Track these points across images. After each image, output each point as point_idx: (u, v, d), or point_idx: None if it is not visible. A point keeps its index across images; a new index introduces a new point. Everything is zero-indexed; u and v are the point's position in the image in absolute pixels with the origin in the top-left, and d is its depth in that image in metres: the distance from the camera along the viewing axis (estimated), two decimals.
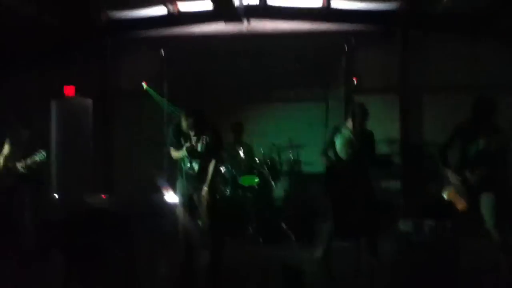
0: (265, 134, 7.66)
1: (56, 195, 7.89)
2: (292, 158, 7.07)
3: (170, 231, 6.08)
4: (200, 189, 5.07)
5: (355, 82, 7.66)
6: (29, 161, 5.70)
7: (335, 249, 5.32)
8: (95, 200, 7.22)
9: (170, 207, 7.08)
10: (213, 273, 5.08)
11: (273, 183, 6.65)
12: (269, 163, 6.77)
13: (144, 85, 8.05)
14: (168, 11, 8.44)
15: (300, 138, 7.15)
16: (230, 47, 8.51)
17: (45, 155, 5.74)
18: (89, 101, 8.52)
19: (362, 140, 5.24)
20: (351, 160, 5.18)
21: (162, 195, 7.31)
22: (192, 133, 5.09)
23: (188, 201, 5.15)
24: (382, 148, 7.04)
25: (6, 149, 5.93)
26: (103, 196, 7.30)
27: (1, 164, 5.90)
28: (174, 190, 6.75)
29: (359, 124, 5.16)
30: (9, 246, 5.71)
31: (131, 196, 7.57)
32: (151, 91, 8.10)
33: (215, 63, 8.39)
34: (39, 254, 5.70)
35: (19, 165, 5.72)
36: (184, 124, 5.06)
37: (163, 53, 8.34)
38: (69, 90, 8.28)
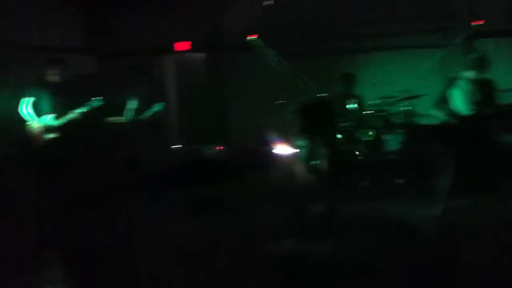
0: (377, 84, 7.28)
1: (173, 146, 8.46)
2: (406, 109, 6.68)
3: (284, 183, 6.27)
4: (316, 146, 5.07)
5: (478, 26, 6.88)
6: (149, 112, 6.18)
7: (454, 207, 5.09)
8: (211, 151, 7.60)
9: (284, 159, 7.25)
10: (327, 225, 5.13)
11: (386, 136, 6.41)
12: (382, 115, 6.50)
13: (251, 38, 8.03)
14: None
15: (415, 89, 6.70)
16: None
17: (163, 106, 6.23)
18: (202, 55, 8.82)
19: (482, 91, 4.83)
20: (470, 113, 4.82)
21: (275, 147, 7.47)
22: None
23: (307, 155, 5.21)
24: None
25: (129, 104, 6.43)
26: (217, 148, 7.63)
27: (126, 118, 6.44)
28: (288, 143, 6.90)
29: (479, 73, 4.76)
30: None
31: (246, 147, 7.76)
32: (258, 43, 8.06)
33: (322, 12, 8.09)
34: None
35: (143, 117, 6.20)
36: None
37: (272, 2, 8.22)
38: (184, 45, 8.62)
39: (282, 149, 7.43)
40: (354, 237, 4.68)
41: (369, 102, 6.77)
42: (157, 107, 6.28)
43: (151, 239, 4.74)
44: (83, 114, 5.88)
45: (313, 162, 5.27)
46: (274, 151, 7.50)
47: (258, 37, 8.10)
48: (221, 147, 7.93)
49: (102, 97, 5.92)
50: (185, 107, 8.67)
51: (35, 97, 5.93)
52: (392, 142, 6.58)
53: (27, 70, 6.87)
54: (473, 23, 6.97)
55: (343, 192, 5.96)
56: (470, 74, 4.89)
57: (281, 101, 7.34)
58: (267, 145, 7.53)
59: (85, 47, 9.30)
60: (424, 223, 4.98)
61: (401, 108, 6.68)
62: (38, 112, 5.94)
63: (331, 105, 5.79)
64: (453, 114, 4.99)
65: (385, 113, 6.58)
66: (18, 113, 5.93)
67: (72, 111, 5.89)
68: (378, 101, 6.69)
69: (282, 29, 8.16)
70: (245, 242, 4.66)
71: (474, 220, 4.91)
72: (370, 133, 6.45)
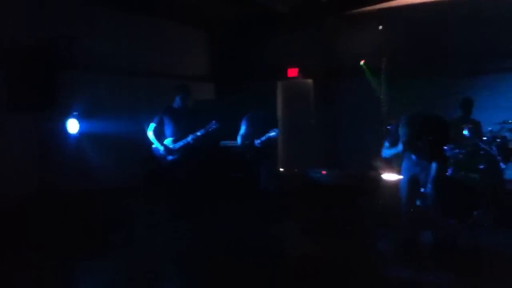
0: (496, 109, 6.86)
1: (282, 169, 8.73)
2: None
3: (388, 208, 6.18)
4: (427, 169, 4.96)
5: None
6: (264, 138, 6.46)
7: None
8: (317, 175, 7.72)
9: (389, 184, 7.13)
10: (435, 254, 4.97)
11: (503, 164, 6.00)
12: (499, 141, 6.11)
13: (362, 62, 8.07)
14: None
15: None
16: (453, 13, 7.85)
17: (278, 132, 6.42)
18: (310, 81, 9.08)
19: None
20: None
21: (381, 172, 7.38)
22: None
23: (413, 181, 5.12)
24: None
25: (243, 129, 6.79)
26: (323, 172, 7.72)
27: (238, 141, 6.80)
28: (396, 169, 6.78)
29: None
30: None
31: (350, 172, 7.76)
32: (369, 68, 8.09)
33: (437, 33, 7.87)
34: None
35: (257, 142, 6.51)
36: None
37: (381, 28, 8.22)
38: (293, 72, 8.96)
39: (390, 175, 7.32)
40: (465, 269, 4.50)
41: (486, 127, 6.41)
42: (272, 133, 6.45)
43: None
44: (200, 137, 6.33)
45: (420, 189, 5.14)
46: (382, 176, 7.40)
47: (368, 62, 8.13)
48: (325, 172, 8.01)
49: (218, 122, 6.30)
50: (293, 131, 8.94)
51: (159, 121, 6.57)
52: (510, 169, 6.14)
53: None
54: None
55: (455, 220, 5.71)
56: None
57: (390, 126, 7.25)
58: (375, 170, 7.46)
59: (208, 75, 10.16)
60: None
61: None
62: (161, 135, 6.58)
63: (447, 125, 5.53)
64: None
65: (503, 139, 6.18)
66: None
67: (190, 135, 6.36)
68: (497, 127, 6.30)
69: (394, 53, 8.12)
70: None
71: None
72: (485, 160, 6.10)
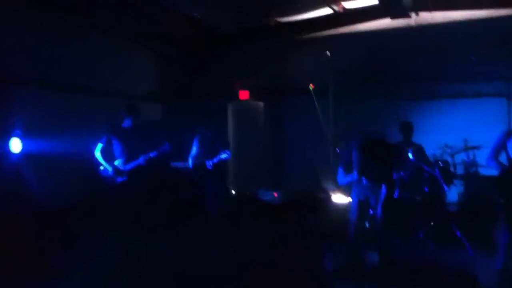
0: (437, 133, 7.22)
1: (233, 190, 8.70)
2: (467, 159, 6.59)
3: (336, 230, 6.31)
4: (377, 192, 5.12)
5: None
6: (215, 160, 6.44)
7: None
8: (267, 196, 7.77)
9: (337, 206, 7.29)
10: (381, 272, 5.09)
11: (445, 186, 6.30)
12: (441, 164, 6.43)
13: (311, 87, 8.29)
14: (334, 10, 8.56)
15: (477, 138, 6.60)
16: (397, 42, 8.26)
17: (229, 154, 6.42)
18: (261, 104, 9.19)
19: None
20: None
21: (329, 195, 7.53)
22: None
23: (363, 204, 5.26)
24: None
25: (194, 150, 6.74)
26: (275, 194, 7.78)
27: (190, 163, 6.74)
28: (344, 192, 6.95)
29: None
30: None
31: (300, 194, 7.86)
32: (317, 92, 8.32)
33: (381, 60, 8.24)
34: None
35: (208, 163, 6.46)
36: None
37: (328, 53, 8.51)
38: (244, 94, 9.05)
39: (337, 197, 7.49)
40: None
41: (428, 151, 6.71)
42: (224, 155, 6.48)
43: None
44: (152, 159, 6.20)
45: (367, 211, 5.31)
46: (330, 196, 7.57)
47: (315, 87, 8.37)
48: (277, 194, 8.08)
49: (169, 143, 6.21)
50: (243, 152, 8.97)
51: (107, 141, 6.37)
52: (452, 192, 6.45)
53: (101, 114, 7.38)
54: None
55: (400, 238, 5.92)
56: None
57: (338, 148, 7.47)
58: (322, 192, 7.62)
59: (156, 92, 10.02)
60: (483, 275, 4.87)
61: (462, 157, 6.61)
62: (110, 156, 6.38)
63: (395, 150, 5.79)
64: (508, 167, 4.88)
65: (445, 163, 6.50)
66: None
67: (142, 156, 6.23)
68: (439, 150, 6.63)
69: (340, 77, 8.41)
70: None
71: None
72: (429, 182, 6.39)
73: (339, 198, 7.30)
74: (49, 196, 7.07)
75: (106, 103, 8.22)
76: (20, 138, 6.52)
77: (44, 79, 7.56)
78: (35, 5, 7.41)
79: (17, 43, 7.10)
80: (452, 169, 6.55)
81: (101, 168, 6.34)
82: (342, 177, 5.45)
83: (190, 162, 6.75)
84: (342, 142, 7.60)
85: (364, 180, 5.20)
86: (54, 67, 7.71)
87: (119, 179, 6.25)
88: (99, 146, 6.36)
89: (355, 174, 5.20)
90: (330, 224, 6.78)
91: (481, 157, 6.50)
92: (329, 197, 7.53)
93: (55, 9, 7.65)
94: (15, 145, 6.49)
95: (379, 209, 5.10)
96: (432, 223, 6.05)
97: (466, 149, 6.57)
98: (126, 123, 6.40)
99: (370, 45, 8.44)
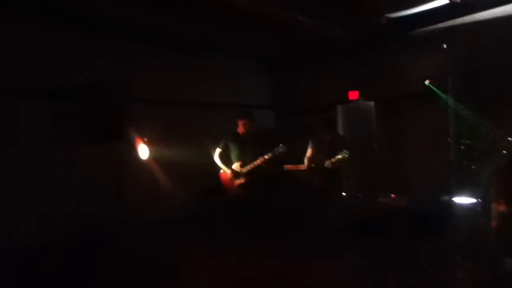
0: None
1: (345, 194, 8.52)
2: None
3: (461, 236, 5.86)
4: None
5: None
6: (333, 160, 6.29)
7: None
8: (387, 199, 7.48)
9: (461, 209, 6.79)
10: None
11: None
12: None
13: (427, 82, 7.84)
14: (450, 0, 8.01)
15: None
16: None
17: (348, 153, 6.20)
18: (371, 104, 8.93)
19: None
20: None
21: (452, 196, 7.06)
22: None
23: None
24: None
25: (309, 151, 6.73)
26: (393, 195, 7.48)
27: (306, 164, 6.72)
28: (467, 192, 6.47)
29: None
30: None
31: (421, 196, 7.44)
32: (435, 88, 7.83)
33: (506, 52, 7.50)
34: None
35: (326, 164, 6.34)
36: None
37: (445, 47, 7.99)
38: (353, 95, 8.87)
39: (461, 199, 7.00)
40: None
41: None
42: (341, 155, 6.23)
43: None
44: (267, 160, 6.31)
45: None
46: (455, 200, 7.08)
47: (432, 82, 7.86)
48: (395, 195, 7.75)
49: (285, 145, 6.28)
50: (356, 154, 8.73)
51: (224, 147, 6.66)
52: None
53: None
54: None
55: None
56: None
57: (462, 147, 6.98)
58: (445, 193, 7.16)
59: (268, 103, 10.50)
60: None
61: None
62: (228, 160, 6.65)
63: None
64: None
65: None
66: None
67: (259, 158, 6.39)
68: None
69: (460, 73, 7.85)
70: None
71: None
72: None
73: (464, 200, 6.81)
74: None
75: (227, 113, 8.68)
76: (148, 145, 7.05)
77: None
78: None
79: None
80: None
81: (221, 171, 6.63)
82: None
83: (305, 163, 6.72)
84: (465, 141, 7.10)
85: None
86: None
87: (237, 181, 6.48)
88: (218, 151, 6.68)
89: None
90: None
91: None
92: (452, 199, 7.06)
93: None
94: (143, 151, 7.02)
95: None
96: None
97: None
98: (241, 129, 6.65)
99: (492, 36, 7.70)
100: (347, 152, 6.17)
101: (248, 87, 10.02)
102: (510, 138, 6.34)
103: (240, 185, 6.47)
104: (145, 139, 6.97)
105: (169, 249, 6.24)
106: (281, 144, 6.30)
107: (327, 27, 8.32)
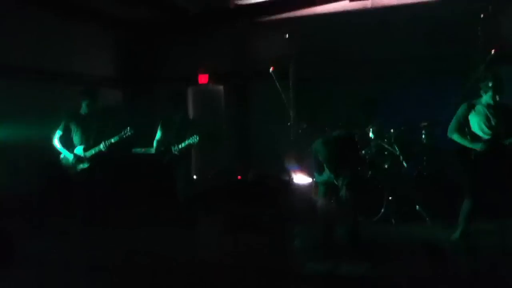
0: (396, 112, 7.41)
1: (195, 175, 8.63)
2: (425, 136, 6.83)
3: (302, 208, 6.41)
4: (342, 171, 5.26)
5: (493, 53, 7.00)
6: (183, 145, 6.24)
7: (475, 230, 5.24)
8: (230, 179, 7.76)
9: (302, 186, 7.37)
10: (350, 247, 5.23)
11: (404, 163, 6.51)
12: (399, 142, 6.63)
13: (271, 69, 8.27)
14: None
15: (433, 115, 6.83)
16: (355, 24, 8.36)
17: (198, 139, 6.17)
18: (220, 87, 9.13)
19: (501, 116, 5.01)
20: (489, 138, 4.98)
21: (291, 176, 7.60)
22: None
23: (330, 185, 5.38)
24: None
25: (159, 134, 6.58)
26: (238, 177, 7.78)
27: (154, 147, 6.56)
28: (307, 171, 7.03)
29: (497, 98, 4.96)
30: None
31: (263, 176, 7.89)
32: (277, 75, 8.30)
33: (340, 42, 8.33)
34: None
35: (174, 149, 6.27)
36: None
37: (287, 35, 8.54)
38: (203, 78, 8.95)
39: (299, 177, 7.57)
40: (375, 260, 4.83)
41: (387, 129, 6.87)
42: (193, 140, 6.21)
43: None
44: (113, 144, 6.05)
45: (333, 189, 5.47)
46: (293, 180, 7.63)
47: (276, 69, 8.34)
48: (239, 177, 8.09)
49: (132, 128, 6.06)
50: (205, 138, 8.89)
51: (64, 129, 6.18)
52: (411, 167, 6.67)
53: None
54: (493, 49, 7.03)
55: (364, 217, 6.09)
56: (488, 99, 5.07)
57: (301, 129, 7.56)
58: (286, 173, 7.68)
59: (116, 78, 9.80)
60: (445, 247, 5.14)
61: (420, 134, 6.84)
62: (69, 143, 6.19)
63: (355, 138, 6.00)
64: (469, 140, 5.14)
65: (403, 139, 6.71)
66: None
67: (103, 142, 6.07)
68: (396, 128, 6.79)
69: (301, 60, 8.47)
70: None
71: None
72: (389, 160, 6.60)
73: (301, 179, 7.39)
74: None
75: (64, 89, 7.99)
76: None
77: None
78: None
79: None
80: (410, 145, 6.76)
81: (61, 156, 6.16)
82: (318, 177, 5.60)
83: (154, 146, 6.56)
84: (303, 123, 7.69)
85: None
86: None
87: (80, 166, 6.10)
88: (58, 133, 6.18)
89: (327, 174, 5.42)
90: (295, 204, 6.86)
91: (439, 132, 6.71)
92: (292, 178, 7.60)
93: None
94: None
95: (344, 190, 5.23)
96: (390, 198, 6.26)
97: (425, 125, 6.78)
98: (84, 109, 6.24)
99: (329, 27, 8.49)
100: (196, 137, 6.18)
101: (93, 59, 9.24)
102: None
103: (84, 171, 6.10)
104: None
105: None
106: (128, 127, 6.05)
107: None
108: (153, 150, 6.50)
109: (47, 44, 8.14)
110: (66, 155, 6.14)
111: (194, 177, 8.57)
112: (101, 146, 6.03)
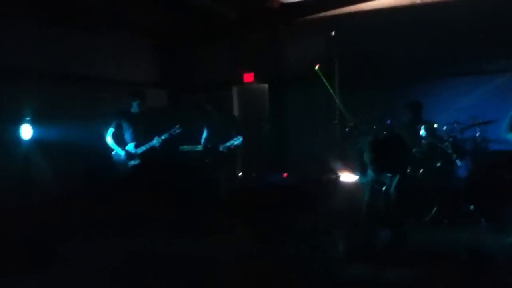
0: (447, 111, 7.17)
1: (240, 174, 8.71)
2: (477, 135, 6.61)
3: (347, 210, 6.32)
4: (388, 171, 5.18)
5: None
6: (228, 144, 6.41)
7: None
8: (276, 178, 7.77)
9: (346, 186, 7.30)
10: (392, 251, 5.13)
11: (458, 162, 6.30)
12: (452, 141, 6.43)
13: (316, 67, 8.23)
14: None
15: (486, 114, 6.60)
16: (403, 20, 8.17)
17: (241, 139, 6.36)
18: (265, 86, 9.17)
19: None
20: None
21: (337, 174, 7.54)
22: None
23: (373, 183, 5.30)
24: None
25: (205, 133, 6.72)
26: (284, 175, 7.79)
27: (201, 144, 6.71)
28: (353, 170, 6.96)
29: None
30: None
31: (309, 175, 7.85)
32: (322, 73, 8.25)
33: (387, 39, 8.16)
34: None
35: (221, 147, 6.43)
36: None
37: (333, 34, 8.46)
38: (249, 77, 9.02)
39: (345, 177, 7.49)
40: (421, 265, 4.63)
41: (439, 129, 6.68)
42: (237, 141, 6.41)
43: None
44: (164, 141, 6.21)
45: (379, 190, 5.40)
46: (339, 178, 7.57)
47: (321, 67, 8.29)
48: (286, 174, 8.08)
49: (180, 126, 6.22)
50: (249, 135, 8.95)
51: (116, 127, 6.39)
52: (463, 169, 6.46)
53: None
54: None
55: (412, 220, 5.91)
56: None
57: (346, 129, 7.48)
58: (330, 172, 7.62)
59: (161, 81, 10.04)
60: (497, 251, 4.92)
61: (472, 134, 6.64)
62: (121, 140, 6.40)
63: (402, 139, 5.87)
64: None
65: (456, 138, 6.50)
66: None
67: (155, 138, 6.23)
68: (448, 127, 6.61)
69: (346, 58, 8.37)
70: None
71: None
72: (442, 158, 6.40)
73: (348, 177, 7.32)
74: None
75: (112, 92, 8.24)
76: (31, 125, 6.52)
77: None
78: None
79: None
80: (462, 145, 6.55)
81: (113, 153, 6.37)
82: (362, 178, 5.55)
83: (201, 145, 6.72)
84: (350, 123, 7.59)
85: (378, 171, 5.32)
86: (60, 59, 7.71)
87: (132, 162, 6.29)
88: (110, 131, 6.39)
89: (371, 174, 5.40)
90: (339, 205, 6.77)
91: (491, 132, 6.50)
92: (338, 177, 7.55)
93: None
94: (26, 131, 6.49)
95: (392, 191, 5.16)
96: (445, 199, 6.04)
97: (475, 125, 6.57)
98: (134, 108, 6.44)
99: (378, 24, 8.31)
100: (239, 137, 6.36)
101: (133, 63, 9.45)
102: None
103: (135, 167, 6.29)
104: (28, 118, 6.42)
105: None
106: (177, 125, 6.23)
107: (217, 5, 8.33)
108: (200, 148, 6.66)
109: (98, 53, 8.54)
110: (118, 151, 6.34)
111: (239, 174, 8.68)
112: (155, 141, 6.20)
